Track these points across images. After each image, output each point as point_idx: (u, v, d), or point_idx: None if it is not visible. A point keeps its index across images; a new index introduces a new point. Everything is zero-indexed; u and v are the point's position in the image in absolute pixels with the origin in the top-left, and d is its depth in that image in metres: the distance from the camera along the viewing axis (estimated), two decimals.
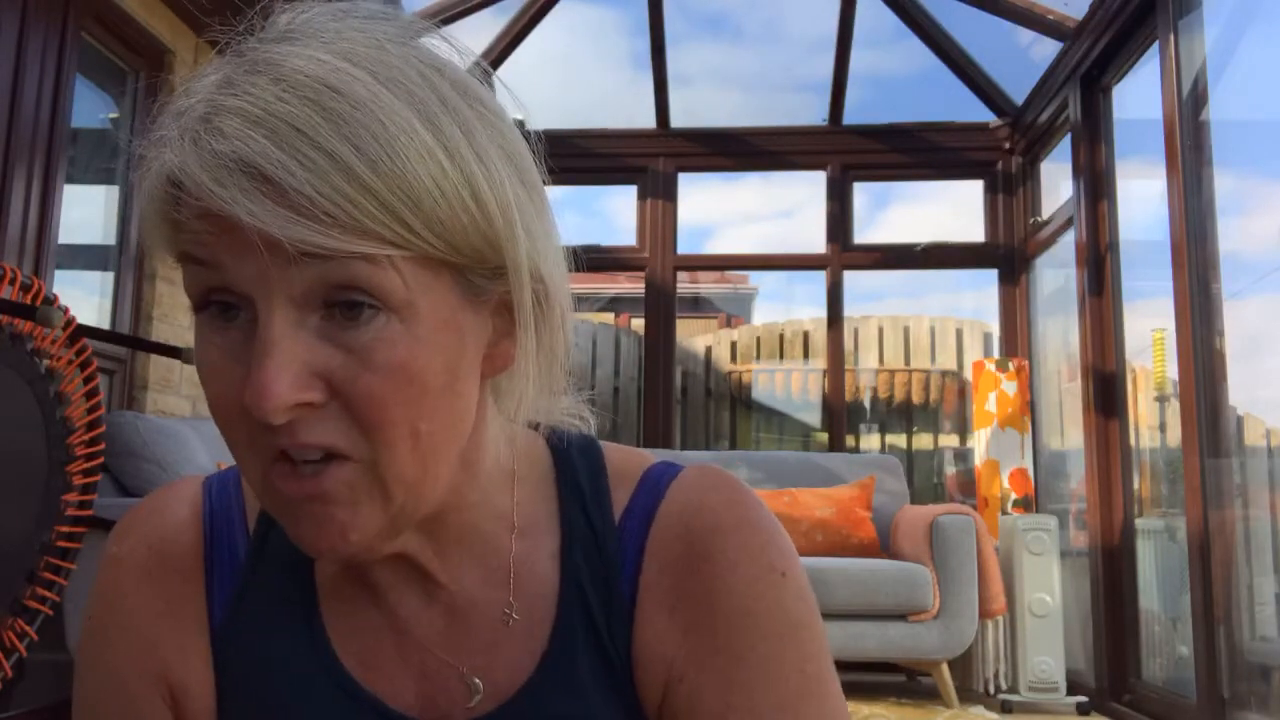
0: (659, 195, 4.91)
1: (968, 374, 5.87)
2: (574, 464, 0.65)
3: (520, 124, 0.58)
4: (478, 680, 0.62)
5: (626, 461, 0.66)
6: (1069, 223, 4.03)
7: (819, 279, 4.91)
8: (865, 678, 3.99)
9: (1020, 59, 4.62)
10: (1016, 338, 4.70)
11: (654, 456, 0.68)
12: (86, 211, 3.37)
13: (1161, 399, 3.97)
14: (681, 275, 5.00)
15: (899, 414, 6.19)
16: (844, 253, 4.85)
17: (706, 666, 0.59)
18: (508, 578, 0.62)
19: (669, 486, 0.64)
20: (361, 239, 0.48)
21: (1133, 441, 3.73)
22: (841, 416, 4.82)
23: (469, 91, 0.54)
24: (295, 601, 0.63)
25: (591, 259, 4.77)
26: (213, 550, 0.65)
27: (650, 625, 0.61)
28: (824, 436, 5.52)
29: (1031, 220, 4.58)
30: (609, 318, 8.22)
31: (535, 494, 0.64)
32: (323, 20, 0.53)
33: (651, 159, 4.92)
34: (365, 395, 0.50)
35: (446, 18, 4.28)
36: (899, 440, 6.19)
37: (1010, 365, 4.18)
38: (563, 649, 0.61)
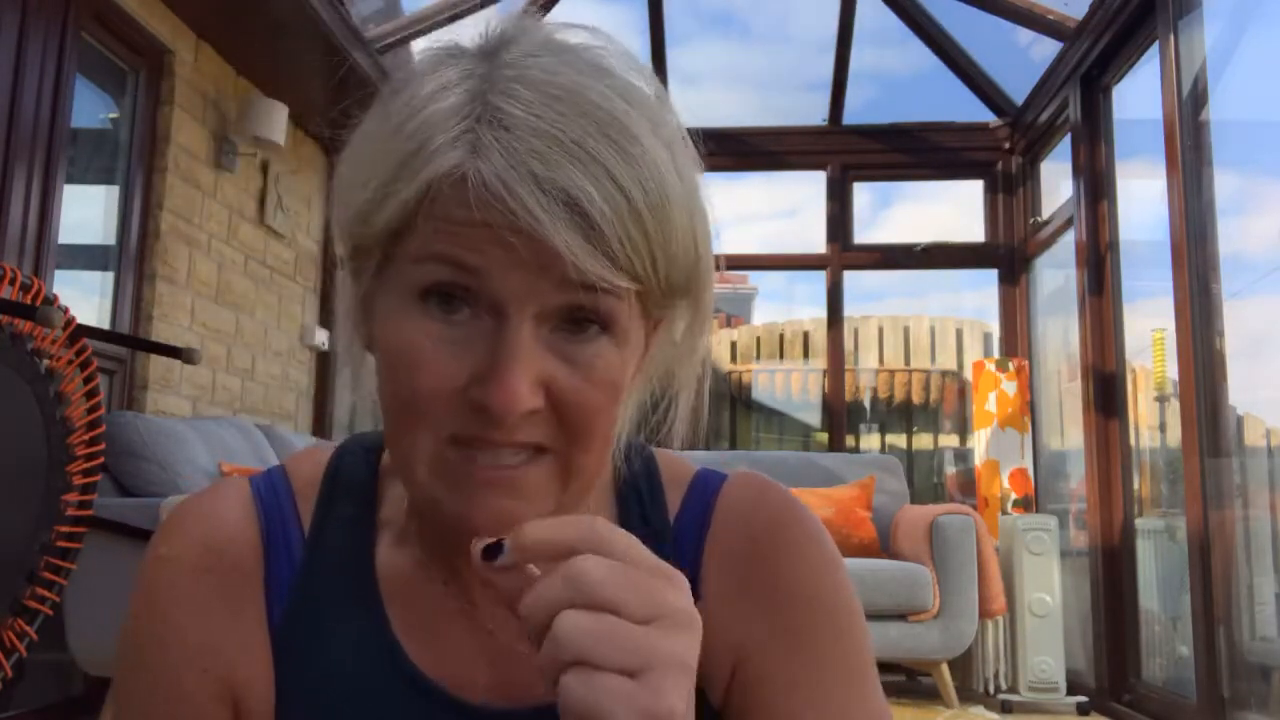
0: None
1: (968, 374, 5.87)
2: (631, 466, 0.69)
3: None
4: None
5: (677, 467, 0.71)
6: (1069, 223, 4.03)
7: (819, 279, 4.92)
8: None
9: (1020, 59, 4.62)
10: (1016, 338, 4.70)
11: (696, 464, 0.72)
12: (86, 211, 3.37)
13: (1161, 399, 3.97)
14: None
15: (899, 414, 6.20)
16: (844, 253, 4.85)
17: (775, 646, 0.64)
18: None
19: (719, 490, 0.69)
20: (627, 277, 0.53)
21: (1133, 441, 3.73)
22: (841, 416, 4.82)
23: (687, 135, 0.59)
24: (357, 598, 0.64)
25: None
26: (269, 549, 0.66)
27: (714, 617, 0.64)
28: (824, 436, 5.52)
29: (1031, 220, 4.58)
30: None
31: (600, 490, 0.68)
32: (564, 38, 0.57)
33: None
34: (581, 405, 0.55)
35: (446, 18, 4.28)
36: (899, 440, 6.19)
37: (1010, 365, 4.18)
38: None
